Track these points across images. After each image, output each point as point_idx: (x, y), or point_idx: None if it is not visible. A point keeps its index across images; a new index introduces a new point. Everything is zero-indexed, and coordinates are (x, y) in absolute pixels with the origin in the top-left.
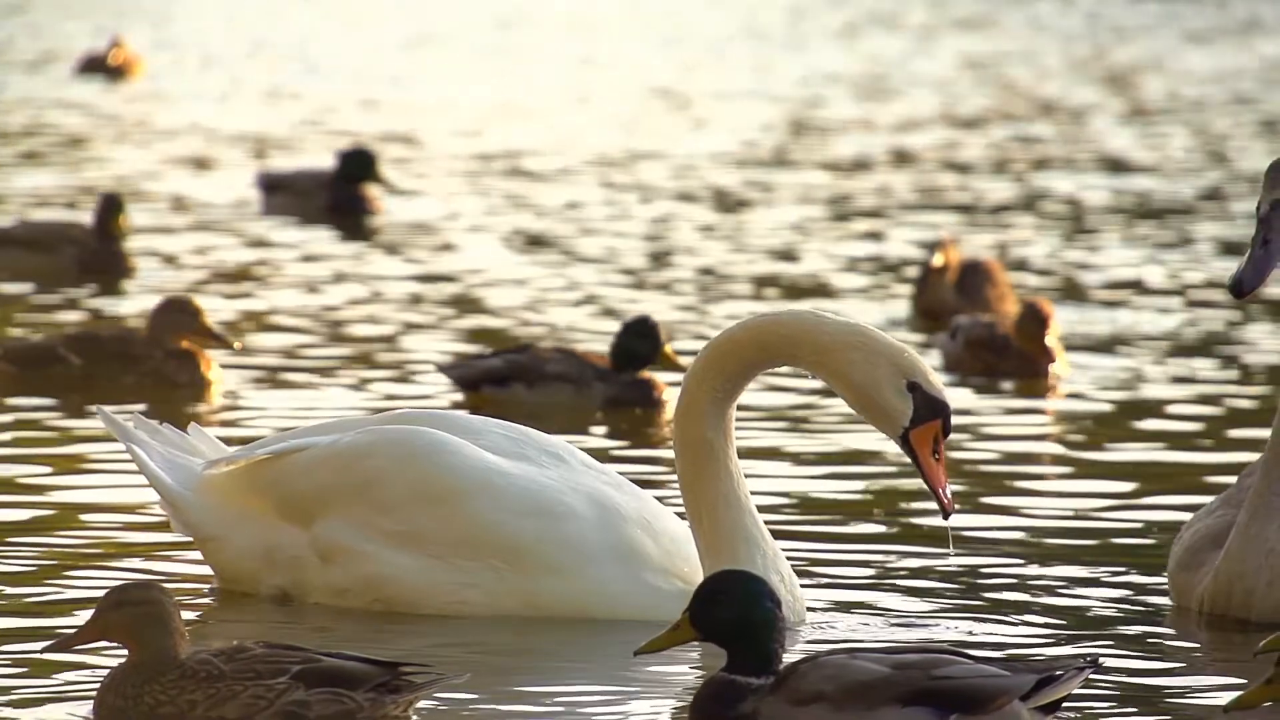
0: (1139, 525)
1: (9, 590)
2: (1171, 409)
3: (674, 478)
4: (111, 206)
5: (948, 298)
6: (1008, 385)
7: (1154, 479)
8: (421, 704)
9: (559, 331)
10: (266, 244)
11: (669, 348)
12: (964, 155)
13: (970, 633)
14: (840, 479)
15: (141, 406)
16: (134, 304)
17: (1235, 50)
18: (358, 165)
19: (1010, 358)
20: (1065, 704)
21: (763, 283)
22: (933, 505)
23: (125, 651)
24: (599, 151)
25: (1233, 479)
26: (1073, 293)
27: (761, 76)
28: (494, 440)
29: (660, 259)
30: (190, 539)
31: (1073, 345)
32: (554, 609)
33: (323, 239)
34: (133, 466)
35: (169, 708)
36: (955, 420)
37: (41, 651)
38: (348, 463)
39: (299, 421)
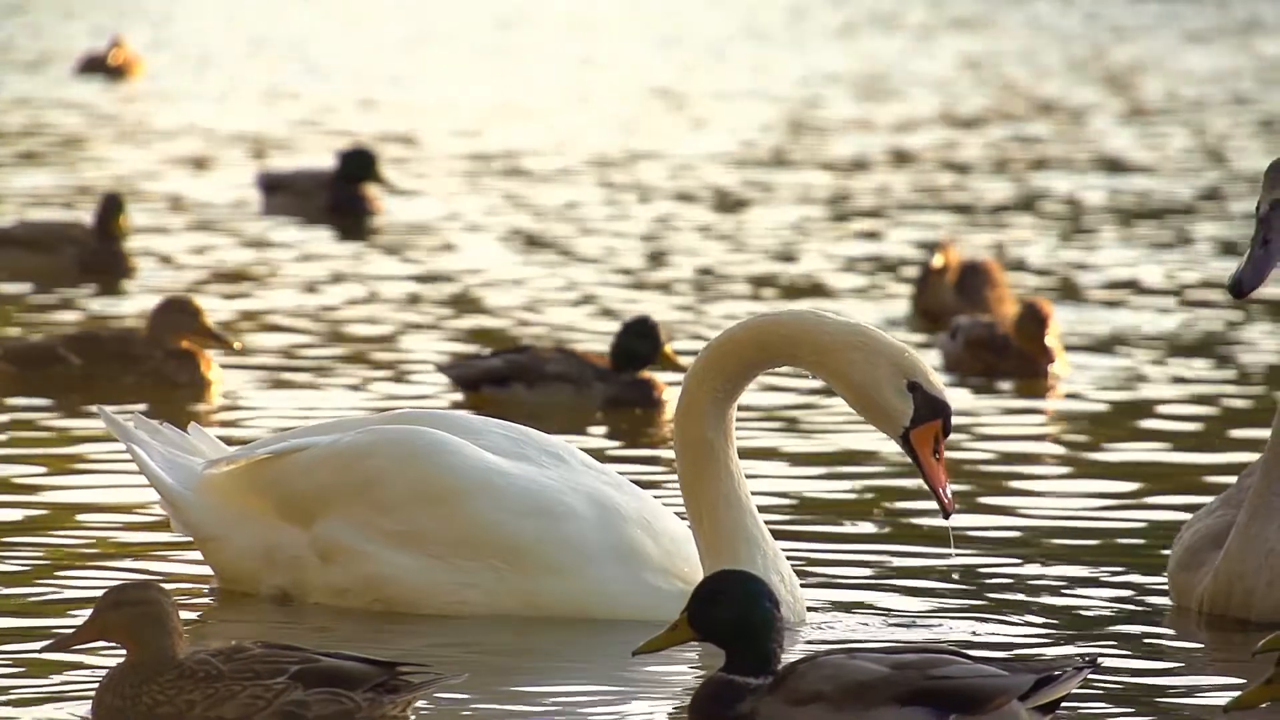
0: (1139, 525)
1: (8, 590)
2: (1171, 409)
3: (674, 478)
4: (112, 206)
5: (947, 299)
6: (1007, 385)
7: (1154, 479)
8: (420, 704)
9: (558, 331)
10: (266, 244)
11: (669, 348)
12: (963, 155)
13: (970, 632)
14: (840, 479)
15: (141, 406)
16: (134, 304)
17: (1234, 50)
18: (358, 165)
19: (1010, 358)
20: (1064, 704)
21: (762, 283)
22: (932, 505)
23: (124, 651)
24: (598, 151)
25: (1233, 479)
26: (1072, 293)
27: (760, 76)
28: (494, 440)
29: (659, 259)
30: (190, 539)
31: (1072, 345)
32: (554, 609)
33: (323, 239)
34: (132, 466)
35: (167, 708)
36: (955, 420)
37: (40, 651)
38: (348, 462)
39: (299, 421)
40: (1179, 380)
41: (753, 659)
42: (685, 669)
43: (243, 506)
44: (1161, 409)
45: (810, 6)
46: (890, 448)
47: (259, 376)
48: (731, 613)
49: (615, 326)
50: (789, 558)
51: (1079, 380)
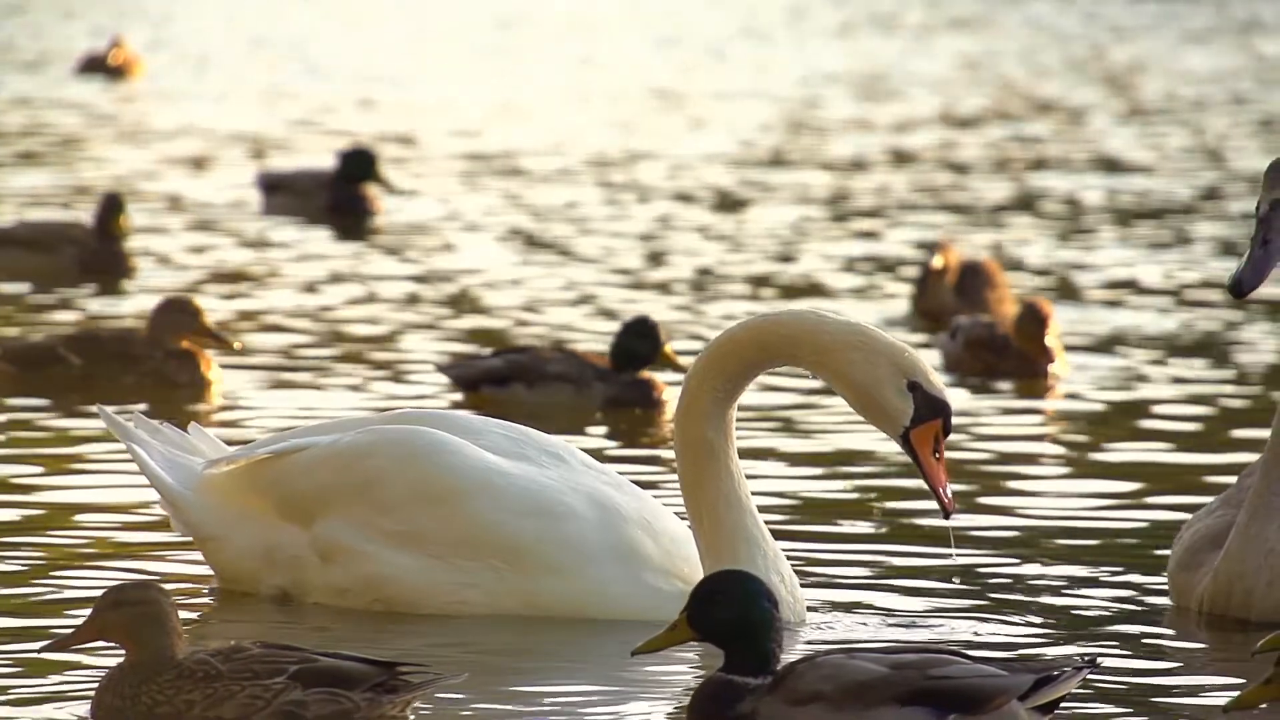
0: (1139, 525)
1: (7, 590)
2: (1170, 409)
3: (674, 478)
4: (112, 206)
5: (948, 300)
6: (1007, 385)
7: (1153, 479)
8: (419, 704)
9: (557, 331)
10: (266, 244)
11: (669, 348)
12: (962, 155)
13: (969, 633)
14: (839, 479)
15: (142, 406)
16: (134, 304)
17: (1233, 50)
18: (358, 165)
19: (1010, 358)
20: (1064, 704)
21: (761, 283)
22: (932, 505)
23: (123, 651)
24: (597, 151)
25: (1232, 479)
26: (1071, 293)
27: (760, 76)
28: (494, 440)
29: (658, 259)
30: (190, 539)
31: (1071, 345)
32: (554, 609)
33: (322, 239)
34: (132, 466)
35: (166, 707)
36: (955, 420)
37: (39, 651)
38: (348, 462)
39: (299, 421)
40: (1178, 380)
41: (752, 659)
42: (684, 669)
43: (243, 506)
44: (1161, 409)
45: (809, 6)
46: (890, 447)
47: (259, 376)
48: (731, 613)
49: (615, 326)
50: (789, 558)
51: (1078, 380)
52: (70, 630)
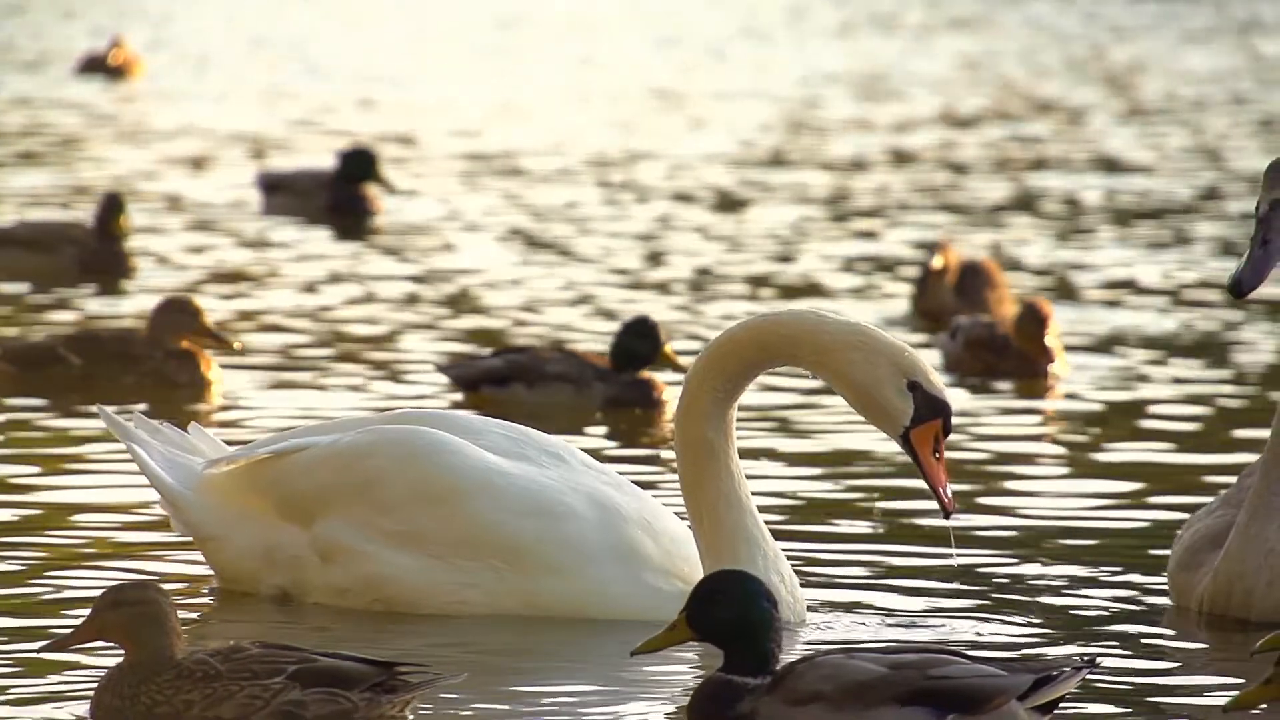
0: (1139, 525)
1: (6, 590)
2: (1170, 409)
3: (673, 478)
4: (113, 206)
5: (948, 300)
6: (1007, 385)
7: (1153, 479)
8: (419, 704)
9: (557, 331)
10: (266, 244)
11: (669, 348)
12: (961, 155)
13: (969, 632)
14: (839, 479)
15: (142, 406)
16: (134, 304)
17: (1233, 50)
18: (358, 165)
19: (1010, 358)
20: (1064, 704)
21: (760, 283)
22: (932, 505)
23: (122, 651)
24: (597, 151)
25: (1232, 479)
26: (1070, 293)
27: (760, 76)
28: (494, 440)
29: (658, 259)
30: (190, 539)
31: (1071, 345)
32: (554, 609)
33: (323, 239)
34: (131, 466)
35: (165, 707)
36: (955, 420)
37: (38, 651)
38: (348, 462)
39: (299, 421)
40: (1178, 380)
41: (751, 659)
42: (684, 669)
43: (243, 506)
44: (1161, 409)
45: (809, 6)
46: (890, 447)
47: (259, 376)
48: (730, 612)
49: (614, 326)
50: (789, 558)
51: (1078, 380)
52: (69, 630)
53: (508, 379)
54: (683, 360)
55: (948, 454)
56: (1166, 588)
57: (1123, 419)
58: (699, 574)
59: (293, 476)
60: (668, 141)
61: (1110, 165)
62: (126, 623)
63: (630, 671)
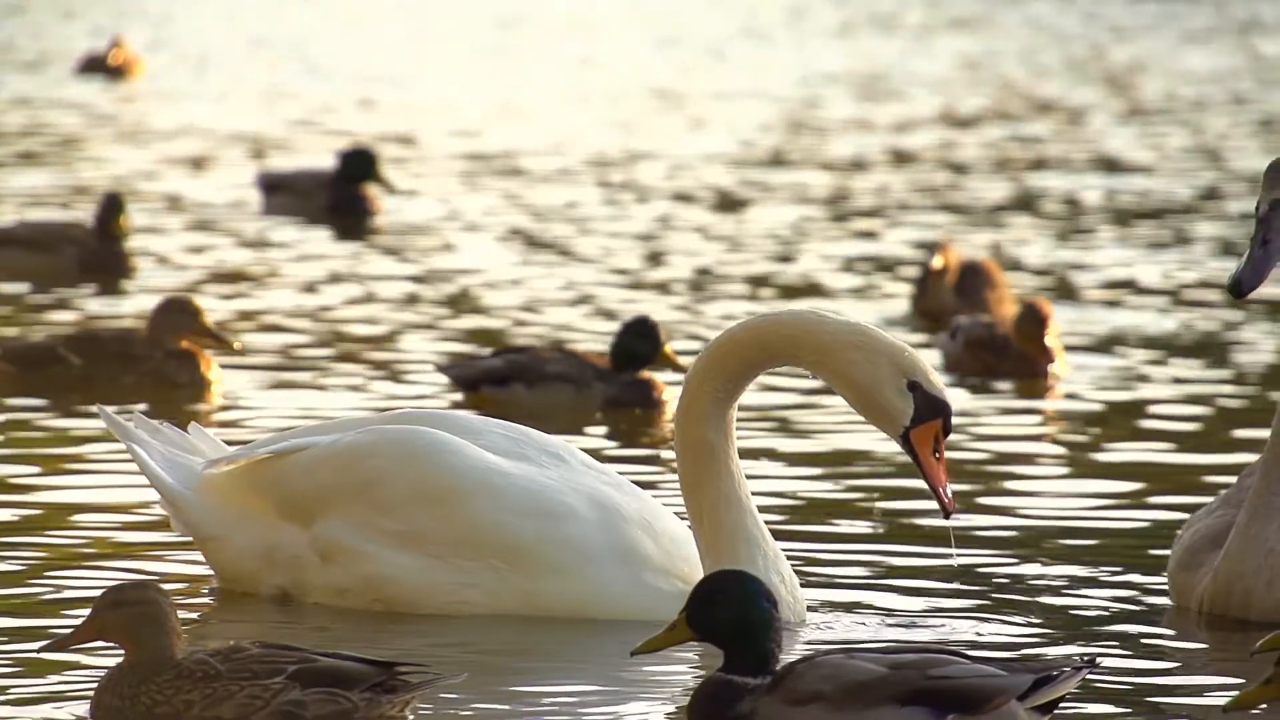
0: (1139, 525)
1: (6, 590)
2: (1170, 409)
3: (673, 478)
4: (113, 206)
5: (948, 300)
6: (1007, 385)
7: (1153, 479)
8: (419, 704)
9: (557, 331)
10: (267, 244)
11: (669, 348)
12: (961, 155)
13: (969, 632)
14: (839, 479)
15: (142, 406)
16: (134, 304)
17: (1233, 50)
18: (358, 165)
19: (1009, 358)
20: (1063, 704)
21: (760, 283)
22: (932, 505)
23: (122, 651)
24: (597, 151)
25: (1232, 479)
26: (1070, 293)
27: (759, 76)
28: (494, 440)
29: (658, 259)
30: (190, 539)
31: (1071, 345)
32: (554, 609)
33: (323, 239)
34: (131, 466)
35: (165, 707)
36: (955, 420)
37: (38, 651)
38: (348, 462)
39: (299, 421)
40: (1178, 380)
41: (751, 659)
42: (684, 669)
43: (243, 506)
44: (1161, 409)
45: (809, 6)
46: (890, 447)
47: (259, 376)
48: (730, 612)
49: (614, 326)
50: (789, 558)
51: (1078, 380)
52: (69, 630)
53: (508, 379)
54: (683, 360)
55: (948, 454)
56: (1166, 588)
57: (1123, 419)
58: (699, 574)
59: (293, 476)
60: (668, 141)
61: (1110, 165)
62: (126, 623)
63: (630, 671)
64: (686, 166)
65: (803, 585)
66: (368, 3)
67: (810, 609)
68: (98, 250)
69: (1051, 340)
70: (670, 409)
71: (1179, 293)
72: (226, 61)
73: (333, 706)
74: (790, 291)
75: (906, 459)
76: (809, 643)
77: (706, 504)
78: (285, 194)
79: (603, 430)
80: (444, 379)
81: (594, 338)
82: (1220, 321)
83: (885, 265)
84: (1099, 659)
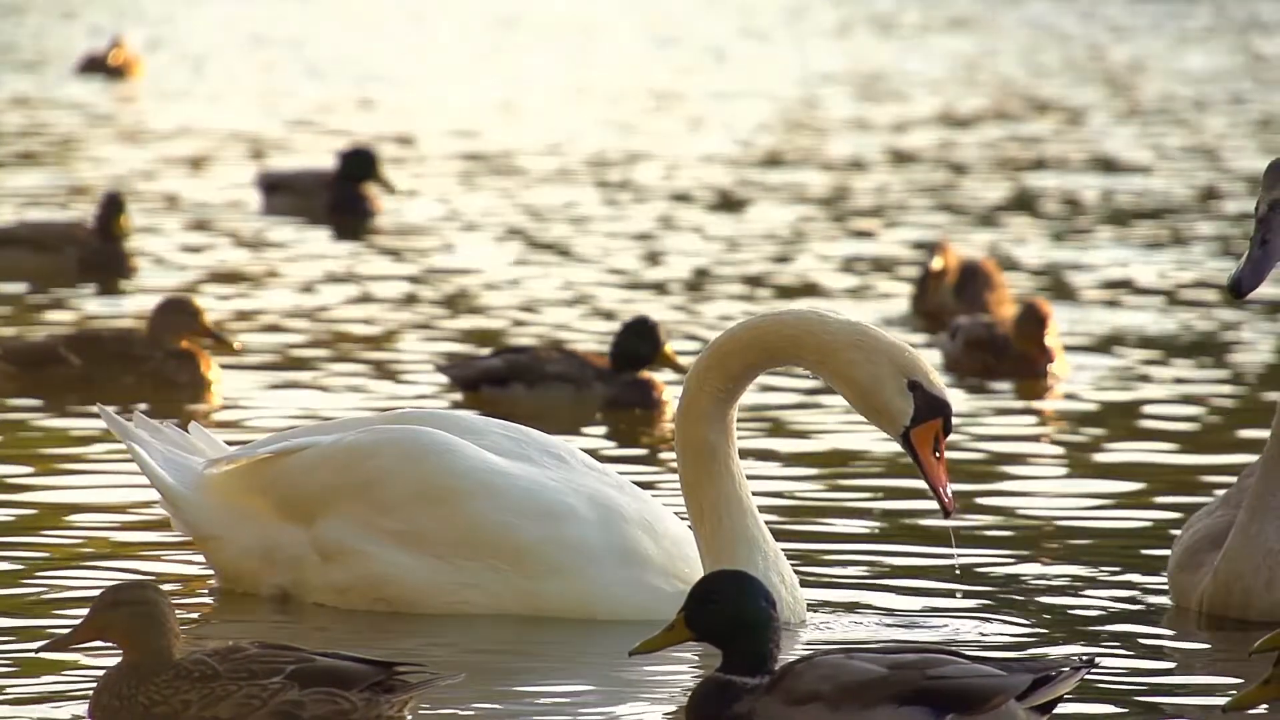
0: (1139, 525)
1: (5, 590)
2: (1170, 409)
3: (673, 478)
4: (113, 206)
5: (948, 301)
6: (1007, 386)
7: (1153, 479)
8: (418, 704)
9: (556, 331)
10: (267, 244)
11: (669, 348)
12: (960, 155)
13: (969, 632)
14: (838, 479)
15: (142, 406)
16: (134, 304)
17: (1231, 50)
18: (359, 165)
19: (1009, 358)
20: (1063, 704)
21: (759, 283)
22: (931, 505)
23: (120, 651)
24: (596, 151)
25: (1232, 479)
26: (1069, 293)
27: (758, 77)
28: (495, 440)
29: (656, 259)
30: (190, 539)
31: (1070, 345)
32: (555, 610)
33: (323, 239)
34: (131, 466)
35: (164, 707)
36: (955, 420)
37: (37, 651)
38: (349, 462)
39: (299, 421)
40: (1178, 380)
41: (749, 659)
42: (683, 669)
43: (243, 506)
44: (1160, 409)
45: (808, 6)
46: (889, 447)
47: (259, 376)
48: (728, 612)
49: (613, 327)
50: (789, 558)
51: (1078, 380)
52: (68, 630)
53: (508, 379)
54: (683, 361)
55: (948, 454)
56: (1166, 588)
57: (1122, 419)
58: (699, 575)
59: (293, 476)
60: (666, 142)
61: (1109, 165)
62: (125, 623)
63: (629, 672)
64: (685, 166)
65: (802, 585)
66: (367, 3)
67: (810, 609)
68: (98, 250)
69: (1051, 340)
70: (670, 409)
71: (1178, 293)
72: (226, 61)
73: (331, 706)
74: (789, 292)
75: (906, 459)
76: (808, 643)
77: (707, 504)
78: (285, 194)
79: (603, 430)
80: (444, 379)
81: (593, 338)
82: (1219, 321)
83: (884, 265)
84: (1098, 659)
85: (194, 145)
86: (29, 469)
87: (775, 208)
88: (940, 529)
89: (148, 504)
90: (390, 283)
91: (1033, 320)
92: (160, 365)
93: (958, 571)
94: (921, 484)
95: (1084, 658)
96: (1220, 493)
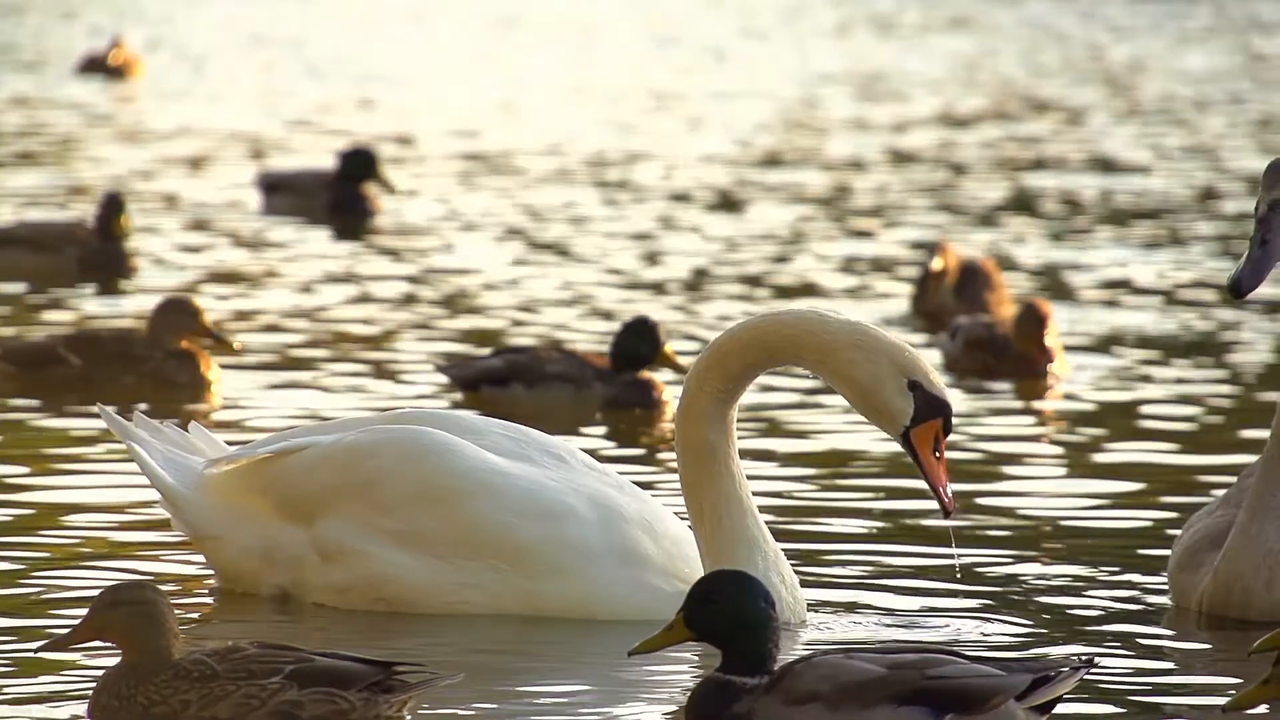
0: (1139, 525)
1: (5, 590)
2: (1169, 409)
3: (673, 478)
4: (114, 206)
5: (948, 301)
6: (1007, 386)
7: (1153, 479)
8: (418, 704)
9: (556, 331)
10: (267, 244)
11: (669, 348)
12: (959, 155)
13: (969, 632)
14: (838, 479)
15: (142, 406)
16: (134, 304)
17: (1231, 50)
18: (359, 165)
19: (1009, 358)
20: (1063, 704)
21: (758, 283)
22: (932, 505)
23: (119, 651)
24: (595, 151)
25: (1232, 479)
26: (1068, 293)
27: (757, 77)
28: (495, 440)
29: (656, 259)
30: (190, 538)
31: (1070, 345)
32: (555, 610)
33: (323, 239)
34: (131, 466)
35: (162, 707)
36: (955, 420)
37: (36, 651)
38: (349, 462)
39: (299, 421)
40: (1178, 380)
41: (749, 659)
42: (682, 669)
43: (244, 506)
44: (1159, 409)
45: (807, 6)
46: (889, 447)
47: (259, 376)
48: (727, 612)
49: (612, 327)
50: (789, 558)
51: (1077, 380)
52: (67, 630)
53: (507, 379)
54: (682, 361)
55: (948, 454)
56: (1166, 588)
57: (1122, 419)
58: (699, 575)
59: (294, 476)
60: (666, 141)
61: (1108, 165)
62: (124, 622)
63: (628, 672)
64: (684, 166)
65: (802, 585)
66: (367, 3)
67: (810, 609)
68: (98, 250)
69: (1051, 340)
70: (670, 409)
71: (1177, 293)
72: (225, 61)
73: (330, 706)
74: (789, 292)
75: (906, 459)
76: (808, 643)
77: (707, 505)
78: (286, 194)
79: (603, 430)
80: (444, 379)
81: (592, 338)
82: (1218, 321)
83: (883, 265)
84: (1097, 659)
85: (194, 145)
86: (29, 469)
87: (775, 208)
88: (940, 529)
89: (147, 504)
90: (390, 283)
91: (1032, 320)
92: (160, 365)
93: (958, 571)
94: (921, 484)
95: (1084, 658)
96: (1220, 493)
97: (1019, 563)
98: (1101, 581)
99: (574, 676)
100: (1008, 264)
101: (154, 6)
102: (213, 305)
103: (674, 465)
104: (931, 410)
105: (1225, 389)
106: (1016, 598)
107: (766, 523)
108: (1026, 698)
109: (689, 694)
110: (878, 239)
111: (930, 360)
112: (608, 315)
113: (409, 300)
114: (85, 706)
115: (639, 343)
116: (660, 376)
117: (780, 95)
